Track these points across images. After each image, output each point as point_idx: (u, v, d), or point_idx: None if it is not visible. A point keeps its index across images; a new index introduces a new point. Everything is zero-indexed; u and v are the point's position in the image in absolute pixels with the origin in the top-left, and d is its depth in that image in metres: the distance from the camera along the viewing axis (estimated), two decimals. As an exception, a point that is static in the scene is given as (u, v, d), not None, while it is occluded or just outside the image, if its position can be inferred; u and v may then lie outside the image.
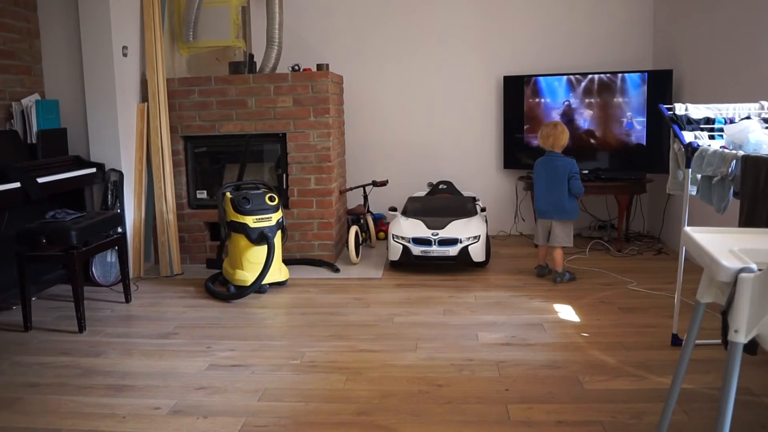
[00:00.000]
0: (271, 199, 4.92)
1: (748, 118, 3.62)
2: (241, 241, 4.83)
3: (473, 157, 6.84)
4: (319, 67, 5.77)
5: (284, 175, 5.67)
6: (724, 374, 1.97)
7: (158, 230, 5.52)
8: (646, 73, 6.08)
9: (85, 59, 5.16)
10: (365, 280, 5.22)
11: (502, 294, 4.81)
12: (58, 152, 5.09)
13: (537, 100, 6.41)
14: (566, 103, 6.28)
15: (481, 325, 4.13)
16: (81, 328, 4.15)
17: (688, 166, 3.51)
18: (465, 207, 5.78)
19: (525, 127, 6.48)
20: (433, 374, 3.40)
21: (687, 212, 3.66)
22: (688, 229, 2.51)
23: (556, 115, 6.28)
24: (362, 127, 6.84)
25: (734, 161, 3.14)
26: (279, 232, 4.94)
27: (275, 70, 5.92)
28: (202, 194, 5.83)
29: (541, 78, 6.38)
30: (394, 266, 5.52)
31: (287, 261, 5.48)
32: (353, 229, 5.69)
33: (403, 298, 4.74)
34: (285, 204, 5.65)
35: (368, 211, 6.38)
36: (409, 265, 5.43)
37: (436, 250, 5.26)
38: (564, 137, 5.08)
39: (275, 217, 4.89)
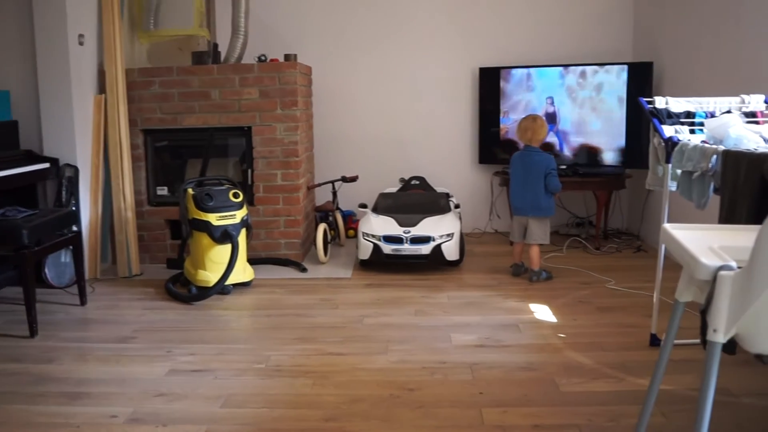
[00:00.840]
0: (236, 195, 4.89)
1: (728, 112, 3.65)
2: (204, 239, 4.80)
3: (447, 152, 6.85)
4: (287, 57, 5.74)
5: (249, 171, 5.64)
6: (703, 375, 1.98)
7: (116, 229, 5.46)
8: (626, 66, 6.13)
9: (38, 47, 5.08)
10: (334, 280, 5.22)
11: (477, 294, 4.82)
12: (8, 146, 5.01)
13: (514, 91, 6.43)
14: (548, 99, 6.31)
15: (454, 327, 4.14)
16: (33, 333, 4.09)
17: (667, 161, 3.54)
18: (438, 203, 5.79)
19: (501, 121, 6.51)
20: (404, 378, 3.40)
21: (666, 208, 3.69)
22: (667, 225, 2.53)
23: (535, 108, 6.30)
24: (331, 121, 6.81)
25: (714, 156, 3.17)
26: (243, 230, 4.91)
27: (240, 61, 5.88)
28: (163, 190, 5.78)
29: (517, 70, 6.40)
30: (364, 265, 5.52)
31: (252, 260, 5.45)
32: (321, 226, 5.67)
33: (373, 299, 4.74)
34: (250, 201, 5.62)
35: (337, 208, 6.37)
36: (380, 264, 5.43)
37: (407, 248, 5.26)
38: (543, 131, 5.10)
39: (239, 214, 4.86)
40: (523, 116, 5.27)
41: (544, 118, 5.23)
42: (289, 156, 5.59)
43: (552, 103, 6.32)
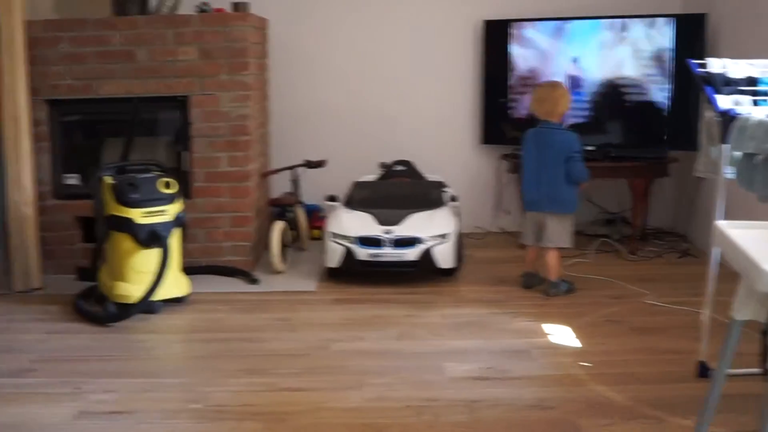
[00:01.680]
0: (168, 185, 4.87)
1: (801, 77, 3.68)
2: (125, 242, 4.78)
3: (441, 129, 6.85)
4: (236, 6, 5.72)
5: (185, 154, 5.63)
6: (763, 413, 1.99)
7: (10, 229, 5.43)
8: (673, 18, 6.15)
9: None
10: (293, 294, 5.21)
11: (478, 311, 4.82)
12: None
13: (528, 52, 6.44)
14: (572, 61, 6.33)
15: (448, 354, 4.13)
16: None
17: (724, 141, 3.55)
18: (429, 196, 5.78)
19: (510, 90, 6.51)
20: (383, 419, 3.39)
21: (722, 201, 3.70)
22: (721, 223, 2.55)
23: (554, 74, 6.32)
24: (293, 89, 6.79)
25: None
26: (177, 231, 4.89)
27: (175, 11, 5.86)
28: (73, 179, 5.75)
29: (533, 23, 6.41)
30: (333, 275, 5.52)
31: (188, 269, 5.42)
32: (278, 225, 5.66)
33: (344, 319, 4.73)
34: (186, 192, 5.59)
35: (299, 202, 6.36)
36: (353, 273, 5.43)
37: (389, 253, 5.26)
38: (564, 102, 5.12)
39: (172, 210, 4.84)
40: (540, 83, 5.28)
41: (566, 85, 5.24)
42: (238, 134, 5.58)
43: (575, 66, 6.34)
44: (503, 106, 6.57)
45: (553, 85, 5.17)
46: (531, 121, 5.35)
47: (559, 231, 5.11)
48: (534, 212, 5.19)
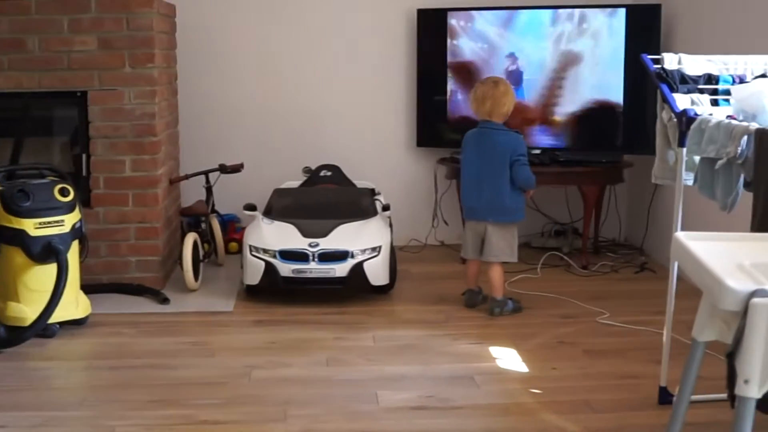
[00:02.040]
0: (64, 192, 4.80)
1: (764, 76, 3.75)
2: (17, 257, 4.71)
3: (372, 130, 6.87)
4: (140, -10, 5.67)
5: (84, 156, 5.57)
6: (731, 444, 2.03)
7: None
8: (624, 8, 6.24)
9: None
10: (209, 316, 5.19)
11: (415, 333, 4.84)
12: None
13: (468, 44, 6.48)
14: (509, 56, 6.38)
15: (382, 381, 4.14)
16: None
17: (681, 144, 3.60)
18: (359, 204, 5.79)
19: (449, 86, 6.56)
20: (311, 455, 3.40)
21: (680, 211, 3.75)
22: (681, 235, 2.58)
23: (497, 69, 6.35)
24: (205, 84, 6.74)
25: (746, 137, 3.24)
26: (75, 244, 4.83)
27: (71, -5, 5.79)
28: (-46, 185, 5.65)
29: (472, 13, 6.46)
30: (253, 294, 5.50)
31: (89, 288, 5.36)
32: (190, 238, 5.63)
33: (265, 342, 4.72)
34: (85, 200, 5.52)
35: (213, 211, 6.33)
36: (276, 291, 5.41)
37: (315, 268, 5.25)
38: (507, 101, 5.13)
39: (69, 220, 4.78)
40: (481, 80, 5.30)
41: (508, 82, 5.27)
42: (143, 135, 5.53)
43: (515, 62, 6.40)
44: (440, 105, 6.61)
45: (495, 82, 5.17)
46: (472, 121, 5.38)
47: (502, 243, 5.13)
48: (474, 221, 5.21)
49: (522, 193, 5.15)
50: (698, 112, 3.60)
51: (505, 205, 5.10)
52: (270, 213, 5.71)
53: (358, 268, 5.27)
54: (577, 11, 6.29)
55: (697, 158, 3.59)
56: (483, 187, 5.12)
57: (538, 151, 6.26)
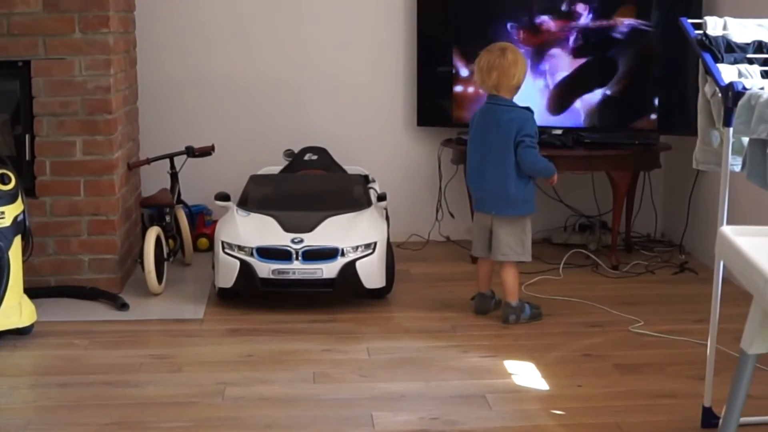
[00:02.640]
0: (3, 179, 4.81)
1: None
2: (-52, 255, 4.71)
3: (365, 107, 6.88)
4: (92, -58, 5.68)
5: (27, 138, 5.58)
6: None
7: None
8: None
9: None
10: (175, 324, 5.19)
11: (416, 345, 4.85)
12: None
13: (477, 5, 6.50)
14: (525, 18, 6.40)
15: (378, 400, 4.14)
16: None
17: (727, 123, 3.62)
18: (350, 193, 5.81)
19: (454, 56, 6.58)
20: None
21: (726, 201, 3.76)
22: (727, 229, 2.60)
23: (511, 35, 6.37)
24: (170, 53, 6.75)
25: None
26: (18, 240, 4.85)
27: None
28: None
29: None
30: (227, 298, 5.51)
31: (34, 291, 5.37)
32: (153, 232, 5.63)
33: (241, 355, 4.72)
34: (29, 189, 5.53)
35: (179, 202, 6.34)
36: (253, 295, 5.43)
37: (299, 268, 5.26)
38: (517, 71, 5.12)
39: (10, 212, 4.79)
40: (486, 48, 5.29)
41: (518, 50, 5.24)
42: (97, 112, 5.54)
43: (535, 26, 6.39)
44: (444, 77, 6.63)
45: (503, 50, 5.12)
46: (482, 96, 5.39)
47: (510, 240, 5.13)
48: (480, 213, 5.24)
49: (531, 181, 5.15)
50: (747, 86, 3.58)
51: (510, 194, 5.08)
52: (246, 204, 5.71)
53: (349, 269, 5.27)
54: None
55: (745, 140, 3.60)
56: (486, 174, 5.14)
57: (559, 131, 6.27)
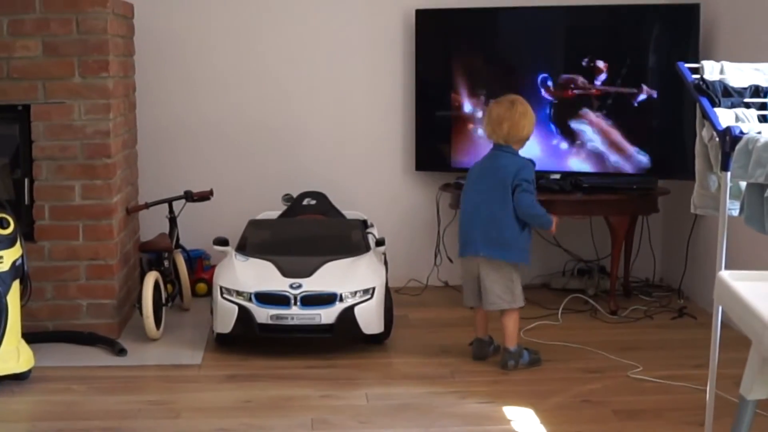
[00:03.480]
0: (2, 224, 4.82)
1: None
2: (-54, 300, 4.71)
3: (363, 152, 6.89)
4: (92, -12, 5.70)
5: (26, 181, 5.58)
6: None
7: None
8: (658, 8, 6.29)
9: None
10: (173, 369, 5.18)
11: (415, 391, 4.83)
12: None
13: (473, 50, 6.52)
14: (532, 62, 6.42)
15: (378, 447, 4.14)
16: None
17: (725, 168, 3.62)
18: (348, 238, 5.81)
19: (452, 100, 6.59)
20: None
21: (725, 246, 3.76)
22: (725, 274, 2.60)
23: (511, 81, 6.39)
24: (169, 98, 6.76)
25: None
26: (16, 284, 4.83)
27: (12, -8, 5.82)
28: None
29: (479, 13, 6.50)
30: (225, 343, 5.49)
31: (32, 336, 5.36)
32: (151, 277, 5.62)
33: (239, 401, 4.71)
34: (28, 233, 5.53)
35: (178, 246, 6.34)
36: (251, 341, 5.41)
37: (297, 314, 5.25)
38: (526, 123, 5.15)
39: (9, 256, 4.79)
40: (495, 100, 5.29)
41: (526, 102, 5.25)
42: (96, 156, 5.55)
43: (531, 71, 6.42)
44: (443, 122, 6.65)
45: (512, 102, 5.16)
46: (480, 142, 5.39)
47: (497, 288, 5.10)
48: (466, 258, 5.23)
49: (526, 228, 5.13)
50: (744, 130, 3.60)
51: (504, 236, 5.07)
52: (244, 248, 5.71)
53: (347, 314, 5.26)
54: (612, 11, 6.34)
55: (743, 184, 3.60)
56: (479, 213, 5.13)
57: (557, 176, 6.28)
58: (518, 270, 5.19)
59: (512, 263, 5.14)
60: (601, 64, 6.26)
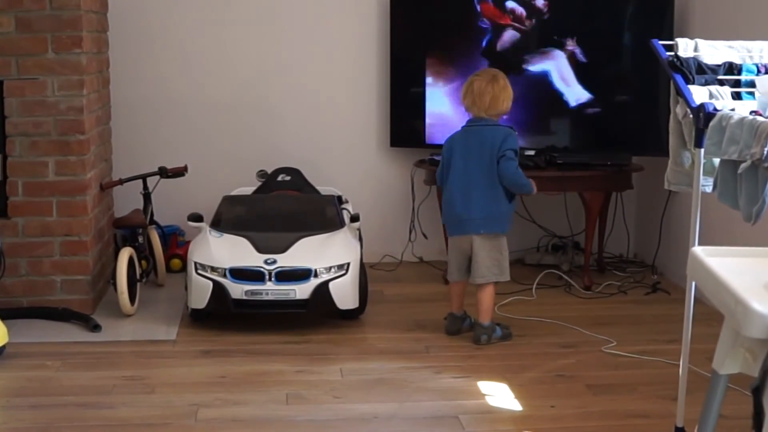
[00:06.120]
0: (-25, 200, 4.80)
1: (794, 64, 3.78)
2: None
3: (338, 128, 6.88)
4: (65, -38, 5.66)
5: (0, 158, 5.57)
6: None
7: None
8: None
9: None
10: (147, 345, 5.17)
11: (389, 365, 4.84)
12: None
13: (448, 24, 6.50)
14: (503, 35, 6.41)
15: (351, 421, 4.14)
16: None
17: (699, 144, 3.62)
18: (323, 214, 5.81)
19: (427, 76, 6.59)
20: None
21: (698, 222, 3.77)
22: (698, 250, 2.60)
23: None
24: (143, 74, 6.73)
25: (773, 136, 3.27)
26: (-10, 261, 4.81)
27: (-17, -32, 5.78)
28: None
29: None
30: (200, 319, 5.49)
31: (6, 312, 5.35)
32: (125, 253, 5.61)
33: (214, 376, 4.70)
34: (1, 210, 5.51)
35: (152, 222, 6.32)
36: (226, 316, 5.41)
37: (272, 289, 5.25)
38: (506, 97, 5.17)
39: (-18, 232, 4.77)
40: (476, 73, 5.29)
41: (506, 77, 5.25)
42: (70, 132, 5.53)
43: (512, 47, 6.41)
44: (417, 98, 6.64)
45: (494, 76, 5.18)
46: (454, 117, 5.38)
47: (492, 259, 5.14)
48: (458, 237, 5.23)
49: (513, 199, 5.18)
50: (718, 107, 3.59)
51: (501, 211, 5.14)
52: (219, 224, 5.70)
53: (322, 289, 5.26)
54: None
55: (717, 161, 3.61)
56: (472, 194, 5.13)
57: (532, 152, 6.28)
58: (505, 241, 5.22)
59: (503, 234, 5.19)
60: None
